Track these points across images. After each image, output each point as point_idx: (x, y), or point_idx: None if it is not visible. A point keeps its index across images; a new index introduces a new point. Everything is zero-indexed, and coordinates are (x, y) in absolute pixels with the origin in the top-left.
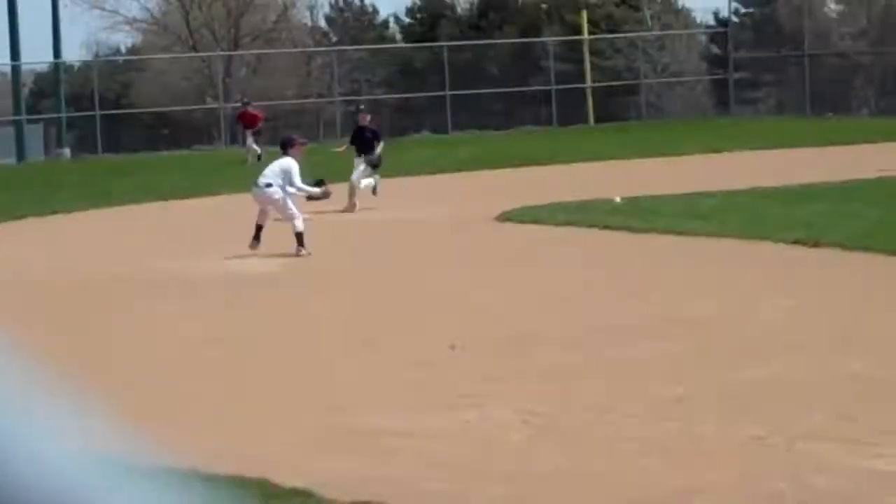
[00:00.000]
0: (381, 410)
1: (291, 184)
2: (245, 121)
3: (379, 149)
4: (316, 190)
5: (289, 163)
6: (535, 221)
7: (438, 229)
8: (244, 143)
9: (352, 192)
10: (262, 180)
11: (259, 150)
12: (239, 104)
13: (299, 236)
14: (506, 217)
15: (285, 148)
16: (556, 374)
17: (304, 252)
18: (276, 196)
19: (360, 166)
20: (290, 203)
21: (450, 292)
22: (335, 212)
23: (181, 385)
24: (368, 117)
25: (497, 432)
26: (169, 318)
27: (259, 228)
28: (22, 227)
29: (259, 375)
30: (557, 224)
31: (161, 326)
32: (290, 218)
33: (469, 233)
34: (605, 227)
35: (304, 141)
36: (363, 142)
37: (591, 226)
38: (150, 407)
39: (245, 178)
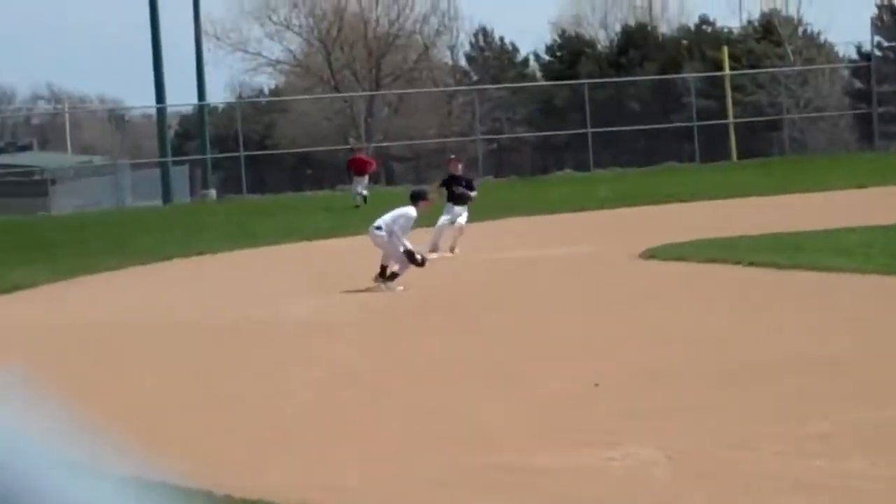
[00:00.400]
0: (523, 447)
1: (394, 231)
2: (354, 167)
3: (473, 194)
4: (409, 246)
5: (406, 212)
6: (679, 258)
7: (581, 267)
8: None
9: (438, 236)
10: (376, 222)
11: (362, 195)
12: (354, 147)
13: (392, 275)
14: (649, 254)
15: (414, 200)
16: (700, 411)
17: (384, 286)
18: (382, 240)
19: (447, 215)
20: (395, 245)
21: (592, 329)
22: (468, 251)
23: (318, 424)
24: (460, 166)
25: (640, 470)
26: (305, 359)
27: (384, 269)
28: (168, 267)
29: (397, 413)
30: (702, 261)
31: (297, 366)
32: (393, 257)
33: (612, 270)
34: (750, 263)
35: (433, 198)
36: (455, 190)
37: (735, 262)
38: (287, 446)
39: None
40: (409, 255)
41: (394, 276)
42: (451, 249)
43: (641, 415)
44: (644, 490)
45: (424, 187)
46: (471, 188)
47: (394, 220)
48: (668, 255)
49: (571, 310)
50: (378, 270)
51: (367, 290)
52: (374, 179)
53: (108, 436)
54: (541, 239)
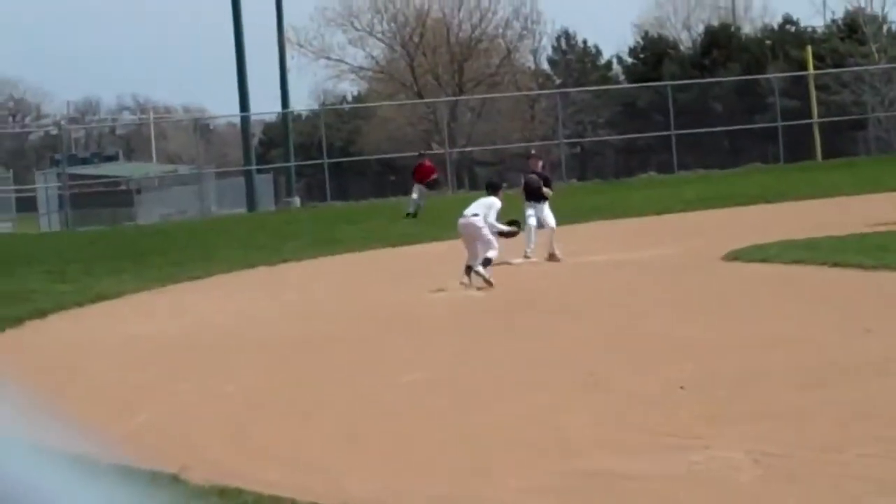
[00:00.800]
0: (610, 453)
1: (487, 218)
2: (417, 174)
3: (548, 191)
4: (505, 227)
5: (493, 200)
6: (764, 260)
7: (665, 269)
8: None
9: (531, 235)
10: (469, 211)
11: (418, 206)
12: (422, 152)
13: (487, 260)
14: (733, 256)
15: (495, 189)
16: (787, 414)
17: (469, 280)
18: (480, 224)
19: (532, 213)
20: (490, 233)
21: (676, 331)
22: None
23: (404, 430)
24: (540, 163)
25: (727, 473)
26: (390, 364)
27: (469, 269)
28: (253, 275)
29: (482, 418)
30: (786, 262)
31: (382, 371)
32: (487, 245)
33: (696, 272)
34: (835, 264)
35: (506, 187)
36: (535, 188)
37: (821, 263)
38: (373, 452)
39: None
40: (506, 233)
41: (487, 260)
42: (551, 256)
43: (727, 418)
44: (729, 494)
45: (498, 180)
46: (548, 185)
47: (488, 209)
48: (752, 257)
49: (655, 312)
50: (464, 272)
51: (452, 293)
52: (459, 184)
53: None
54: (624, 242)
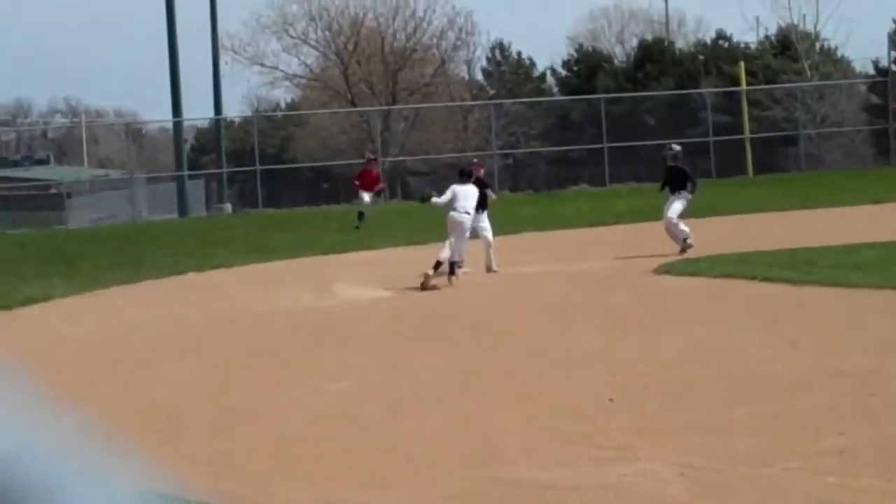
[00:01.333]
0: (539, 463)
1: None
2: (366, 181)
3: (494, 196)
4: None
5: (474, 190)
6: (694, 274)
7: (596, 281)
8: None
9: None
10: (468, 207)
11: (363, 215)
12: (370, 157)
13: (439, 263)
14: (664, 269)
15: (470, 177)
16: (715, 427)
17: (431, 273)
18: (468, 224)
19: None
20: (465, 236)
21: (607, 344)
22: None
23: (332, 437)
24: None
25: (654, 486)
26: (321, 370)
27: (439, 264)
28: (183, 281)
29: (411, 427)
30: (716, 276)
31: (312, 378)
32: (459, 243)
33: (626, 285)
34: (765, 279)
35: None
36: (481, 193)
37: (750, 278)
38: (301, 459)
39: (403, 232)
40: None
41: (440, 263)
42: (488, 269)
43: (655, 431)
44: None
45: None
46: (486, 186)
47: (473, 203)
48: (683, 271)
49: (586, 325)
50: (437, 269)
51: (383, 301)
52: (391, 194)
53: (110, 440)
54: (556, 254)
